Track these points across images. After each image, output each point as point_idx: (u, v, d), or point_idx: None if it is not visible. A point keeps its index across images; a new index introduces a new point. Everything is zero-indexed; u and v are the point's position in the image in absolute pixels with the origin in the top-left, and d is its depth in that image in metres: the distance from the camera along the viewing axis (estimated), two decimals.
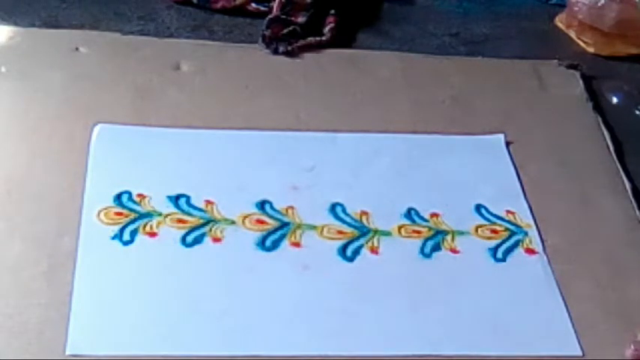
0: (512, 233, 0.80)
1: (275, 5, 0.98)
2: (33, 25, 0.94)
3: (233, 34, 0.99)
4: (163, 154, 0.82)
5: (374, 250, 0.77)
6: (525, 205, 0.83)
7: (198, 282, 0.72)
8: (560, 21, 1.07)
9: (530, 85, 0.93)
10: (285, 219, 0.78)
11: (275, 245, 0.76)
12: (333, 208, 0.80)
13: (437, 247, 0.78)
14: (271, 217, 0.78)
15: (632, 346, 0.71)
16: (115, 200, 0.77)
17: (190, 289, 0.72)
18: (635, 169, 0.89)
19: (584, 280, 0.77)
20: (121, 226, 0.75)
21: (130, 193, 0.78)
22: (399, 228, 0.79)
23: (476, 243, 0.79)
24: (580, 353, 0.71)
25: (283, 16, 0.97)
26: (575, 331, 0.72)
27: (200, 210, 0.78)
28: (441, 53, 1.00)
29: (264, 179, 0.81)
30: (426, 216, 0.81)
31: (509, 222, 0.81)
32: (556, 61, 1.00)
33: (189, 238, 0.75)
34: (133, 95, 0.88)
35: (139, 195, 0.78)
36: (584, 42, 1.04)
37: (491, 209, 0.82)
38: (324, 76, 0.94)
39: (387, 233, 0.79)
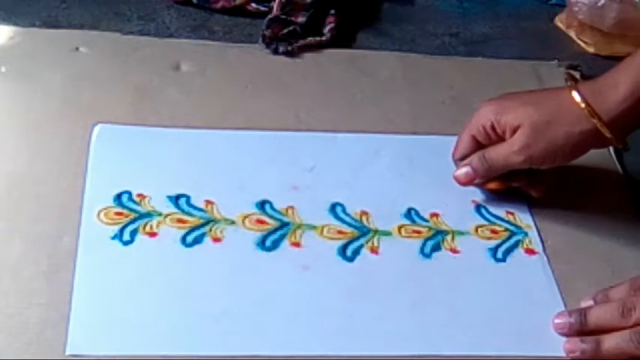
0: (512, 233, 0.80)
1: (275, 5, 0.98)
2: (33, 25, 0.94)
3: (233, 34, 0.98)
4: (163, 154, 0.82)
5: (374, 250, 0.77)
6: (525, 206, 0.83)
7: (198, 282, 0.72)
8: (560, 21, 1.07)
9: (530, 86, 0.92)
10: (285, 219, 0.78)
11: (275, 245, 0.76)
12: (333, 208, 0.80)
13: (437, 247, 0.78)
14: (271, 217, 0.78)
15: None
16: (115, 200, 0.77)
17: (190, 289, 0.72)
18: (635, 169, 0.89)
19: (584, 280, 0.77)
20: (121, 226, 0.75)
21: (130, 193, 0.78)
22: (399, 228, 0.79)
23: (476, 243, 0.79)
24: None
25: (283, 16, 0.97)
26: None
27: (200, 210, 0.78)
28: (441, 53, 1.00)
29: (264, 179, 0.81)
30: (426, 216, 0.81)
31: (509, 222, 0.81)
32: (556, 61, 1.00)
33: (189, 238, 0.75)
34: (133, 95, 0.88)
35: (139, 195, 0.78)
36: (584, 42, 1.04)
37: (491, 209, 0.82)
38: (324, 76, 0.94)
39: (387, 233, 0.79)
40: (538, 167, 0.80)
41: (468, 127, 0.81)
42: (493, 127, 0.79)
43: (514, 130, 0.78)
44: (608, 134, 0.75)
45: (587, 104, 0.75)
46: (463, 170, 0.81)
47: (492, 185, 0.82)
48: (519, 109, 0.78)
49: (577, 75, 0.97)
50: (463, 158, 0.82)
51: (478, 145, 0.81)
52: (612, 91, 0.75)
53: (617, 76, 0.76)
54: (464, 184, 0.82)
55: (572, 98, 0.76)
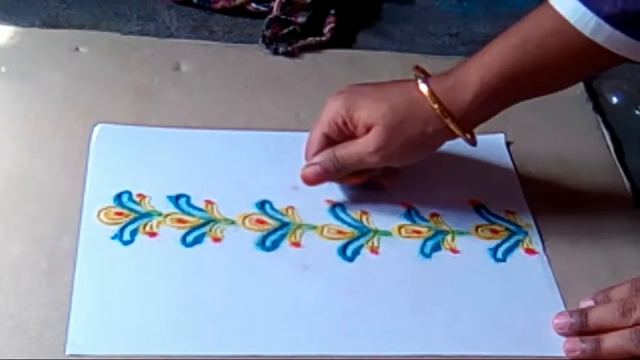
0: (513, 233, 0.80)
1: (275, 5, 0.98)
2: (33, 25, 0.94)
3: (233, 34, 0.98)
4: (163, 154, 0.82)
5: (374, 250, 0.77)
6: (525, 205, 0.83)
7: (198, 282, 0.72)
8: None
9: None
10: (285, 219, 0.78)
11: (275, 245, 0.76)
12: (333, 208, 0.80)
13: (437, 247, 0.78)
14: (271, 217, 0.78)
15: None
16: (115, 200, 0.77)
17: (190, 289, 0.72)
18: (635, 169, 0.89)
19: (584, 280, 0.77)
20: (121, 226, 0.75)
21: (130, 193, 0.78)
22: (399, 228, 0.79)
23: (476, 243, 0.79)
24: None
25: (283, 16, 0.97)
26: None
27: (200, 210, 0.78)
28: (441, 53, 1.00)
29: (264, 179, 0.81)
30: (426, 216, 0.81)
31: (509, 222, 0.81)
32: None
33: (190, 238, 0.75)
34: (133, 95, 0.88)
35: (139, 195, 0.78)
36: None
37: (492, 209, 0.82)
38: (324, 77, 0.94)
39: (387, 233, 0.79)
40: (393, 165, 0.79)
41: (318, 124, 0.79)
42: (345, 123, 0.77)
43: (367, 129, 0.76)
44: (458, 132, 0.75)
45: (440, 103, 0.75)
46: (312, 169, 0.78)
47: (352, 180, 0.80)
48: (372, 106, 0.76)
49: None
50: None
51: (330, 142, 0.78)
52: (463, 90, 0.74)
53: (467, 74, 0.75)
54: (313, 183, 0.79)
55: (424, 96, 0.75)
